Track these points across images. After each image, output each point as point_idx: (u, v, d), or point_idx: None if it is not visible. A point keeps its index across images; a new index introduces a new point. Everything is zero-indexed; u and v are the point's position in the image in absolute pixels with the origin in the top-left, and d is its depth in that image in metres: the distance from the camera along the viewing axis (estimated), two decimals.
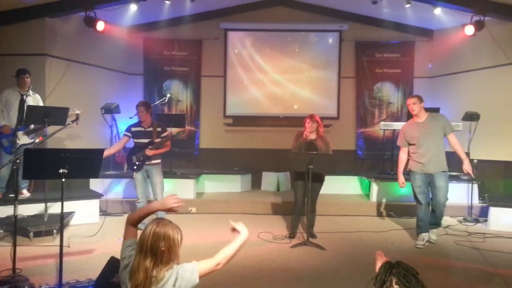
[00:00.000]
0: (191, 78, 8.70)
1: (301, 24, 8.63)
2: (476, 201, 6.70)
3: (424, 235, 5.05)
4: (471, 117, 6.89)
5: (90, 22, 6.81)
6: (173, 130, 5.76)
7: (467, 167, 5.02)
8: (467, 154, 6.94)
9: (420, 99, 5.03)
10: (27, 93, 5.67)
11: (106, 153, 5.24)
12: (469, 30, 6.88)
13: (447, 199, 5.03)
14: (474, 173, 6.42)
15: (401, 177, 5.22)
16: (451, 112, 7.58)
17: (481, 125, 6.87)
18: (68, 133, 6.50)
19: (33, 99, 5.78)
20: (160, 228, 2.09)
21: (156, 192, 5.47)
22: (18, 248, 3.78)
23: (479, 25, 6.77)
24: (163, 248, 2.06)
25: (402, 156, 5.23)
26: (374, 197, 6.99)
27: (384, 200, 6.86)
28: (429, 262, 4.48)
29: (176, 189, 6.85)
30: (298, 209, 5.32)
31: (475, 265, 4.39)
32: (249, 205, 6.81)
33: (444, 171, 5.01)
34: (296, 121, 7.14)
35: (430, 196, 5.12)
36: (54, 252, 4.39)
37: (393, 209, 6.60)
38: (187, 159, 8.58)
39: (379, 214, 6.66)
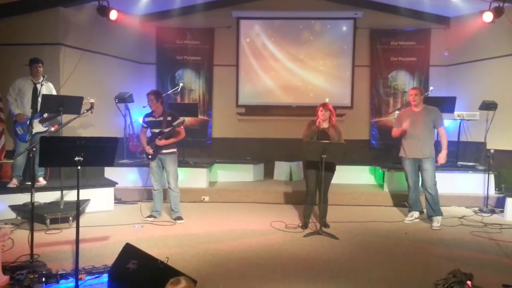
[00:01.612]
0: (204, 67, 8.68)
1: (315, 12, 8.51)
2: (492, 191, 6.59)
3: (414, 213, 5.69)
4: (488, 106, 6.76)
5: (103, 11, 6.83)
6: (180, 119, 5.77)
7: (442, 156, 5.46)
8: (484, 144, 6.86)
9: (422, 91, 5.55)
10: (41, 82, 5.71)
11: (143, 145, 5.49)
12: (488, 16, 6.71)
13: (435, 182, 5.44)
14: (491, 163, 6.33)
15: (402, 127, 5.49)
16: (468, 101, 7.46)
17: (498, 115, 6.74)
18: (82, 121, 6.57)
19: (46, 88, 5.82)
20: None
21: (169, 180, 5.50)
22: (35, 234, 3.84)
23: (498, 12, 6.60)
24: None
25: (395, 128, 5.69)
26: (387, 187, 6.94)
27: (398, 190, 6.79)
28: (445, 252, 4.43)
29: (189, 178, 6.90)
30: (310, 199, 5.30)
31: (491, 256, 4.33)
32: (261, 195, 6.81)
33: (431, 157, 5.43)
34: (309, 111, 7.07)
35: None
36: (70, 239, 4.47)
37: (407, 199, 6.51)
38: (199, 148, 8.61)
39: (393, 204, 6.60)
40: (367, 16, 8.46)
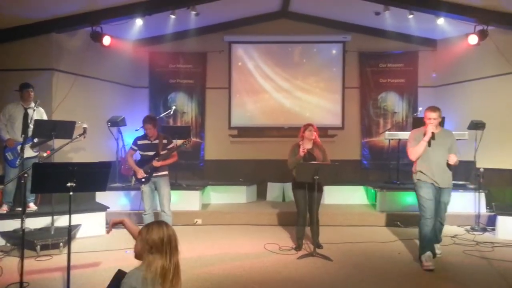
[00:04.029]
0: (196, 90, 8.78)
1: (305, 36, 8.71)
2: (483, 210, 6.64)
3: (430, 253, 4.64)
4: (476, 126, 6.88)
5: (97, 37, 6.92)
6: (178, 142, 5.82)
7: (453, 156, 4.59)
8: (474, 162, 6.94)
9: (441, 113, 4.73)
10: (33, 107, 5.72)
11: (133, 167, 5.46)
12: (473, 39, 6.89)
13: (446, 211, 4.86)
14: (481, 182, 6.40)
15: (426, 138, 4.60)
16: (456, 121, 7.59)
17: (486, 134, 6.85)
18: (73, 146, 6.54)
19: (37, 113, 5.83)
20: (169, 228, 2.36)
21: (163, 203, 5.48)
22: (25, 261, 3.78)
23: (482, 35, 6.79)
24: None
25: (412, 148, 4.77)
26: (380, 207, 6.96)
27: (390, 210, 6.81)
28: (438, 272, 4.43)
29: (181, 201, 6.88)
30: (302, 220, 5.28)
31: (485, 275, 4.34)
32: (255, 216, 6.80)
33: (451, 188, 4.80)
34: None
35: None
36: (60, 265, 4.41)
37: (400, 219, 6.56)
38: (192, 170, 8.61)
39: (386, 224, 6.61)
40: (355, 39, 8.66)
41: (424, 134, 4.64)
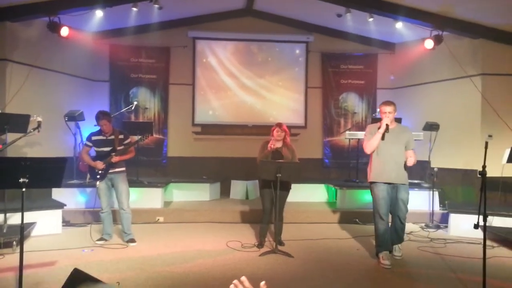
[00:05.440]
0: (159, 85, 8.63)
1: (269, 34, 8.76)
2: (437, 207, 6.95)
3: (388, 252, 4.74)
4: (431, 127, 7.19)
5: (54, 28, 6.64)
6: (135, 137, 5.66)
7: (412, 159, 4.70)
8: (428, 162, 7.26)
9: (396, 107, 4.79)
10: None
11: (89, 162, 5.26)
12: (429, 43, 7.20)
13: (407, 210, 4.83)
14: (435, 181, 6.71)
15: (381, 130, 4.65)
16: (412, 122, 7.90)
17: (440, 135, 7.18)
18: (28, 140, 6.27)
19: None
20: None
21: (121, 200, 5.33)
22: None
23: (438, 40, 7.10)
24: None
25: (367, 141, 4.84)
26: (340, 205, 7.13)
27: (349, 208, 7.00)
28: (393, 267, 4.59)
29: (143, 198, 6.75)
30: (267, 217, 5.35)
31: (437, 271, 4.54)
32: (218, 214, 6.78)
33: (407, 184, 4.83)
34: (264, 130, 7.20)
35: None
36: (13, 265, 4.21)
37: (358, 216, 6.75)
38: (154, 167, 8.46)
39: (345, 222, 6.78)
40: (318, 40, 8.81)
41: (379, 128, 4.71)
